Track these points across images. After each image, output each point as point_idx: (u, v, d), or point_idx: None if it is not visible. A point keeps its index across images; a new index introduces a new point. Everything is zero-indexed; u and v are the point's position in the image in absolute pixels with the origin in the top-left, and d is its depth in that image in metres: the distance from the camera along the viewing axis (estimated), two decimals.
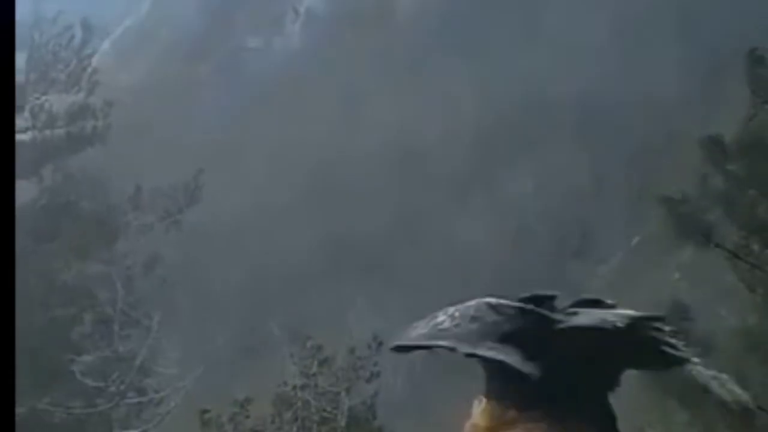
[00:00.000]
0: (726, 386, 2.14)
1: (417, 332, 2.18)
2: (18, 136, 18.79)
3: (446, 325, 2.16)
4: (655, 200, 14.12)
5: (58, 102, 20.61)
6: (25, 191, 18.48)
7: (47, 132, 20.48)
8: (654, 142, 38.36)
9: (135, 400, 19.11)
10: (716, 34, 37.58)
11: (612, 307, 2.15)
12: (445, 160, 42.47)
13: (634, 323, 2.09)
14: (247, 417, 15.25)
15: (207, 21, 52.56)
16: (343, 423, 15.20)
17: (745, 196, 13.01)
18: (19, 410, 15.12)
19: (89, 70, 21.13)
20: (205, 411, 15.40)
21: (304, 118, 45.32)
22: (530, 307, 2.12)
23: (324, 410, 15.32)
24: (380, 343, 15.73)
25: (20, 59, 19.49)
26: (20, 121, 19.60)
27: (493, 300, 2.15)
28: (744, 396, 2.13)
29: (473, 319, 2.14)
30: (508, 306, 2.13)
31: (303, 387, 15.38)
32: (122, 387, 18.60)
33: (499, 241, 39.01)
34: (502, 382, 2.12)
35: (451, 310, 2.19)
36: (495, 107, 42.71)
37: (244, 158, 44.39)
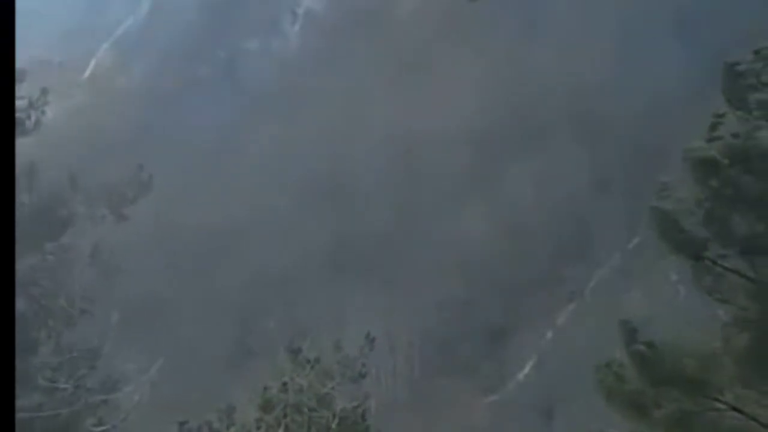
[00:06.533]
0: None
1: None
2: None
3: None
4: (648, 211, 13.88)
5: None
6: None
7: None
8: (654, 142, 38.29)
9: (101, 398, 18.73)
10: (717, 32, 37.53)
11: None
12: (445, 161, 42.38)
13: None
14: (232, 425, 15.15)
15: (205, 23, 52.46)
16: (334, 425, 15.07)
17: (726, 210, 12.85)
18: None
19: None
20: (183, 422, 15.29)
21: (303, 119, 45.23)
22: None
23: (315, 411, 15.19)
24: (372, 340, 15.60)
25: None
26: None
27: None
28: None
29: None
30: None
31: (295, 388, 15.26)
32: (85, 384, 18.20)
33: (499, 241, 38.92)
34: None
35: None
36: (494, 107, 42.63)
37: (243, 159, 44.28)
